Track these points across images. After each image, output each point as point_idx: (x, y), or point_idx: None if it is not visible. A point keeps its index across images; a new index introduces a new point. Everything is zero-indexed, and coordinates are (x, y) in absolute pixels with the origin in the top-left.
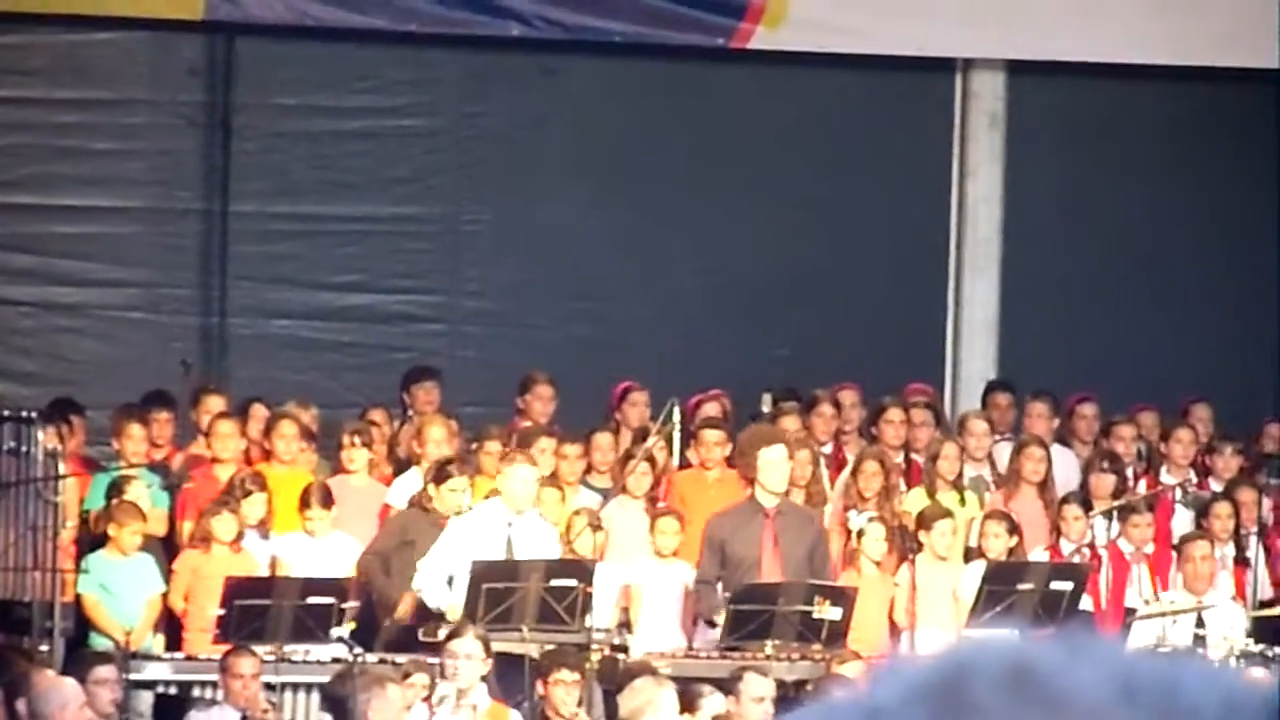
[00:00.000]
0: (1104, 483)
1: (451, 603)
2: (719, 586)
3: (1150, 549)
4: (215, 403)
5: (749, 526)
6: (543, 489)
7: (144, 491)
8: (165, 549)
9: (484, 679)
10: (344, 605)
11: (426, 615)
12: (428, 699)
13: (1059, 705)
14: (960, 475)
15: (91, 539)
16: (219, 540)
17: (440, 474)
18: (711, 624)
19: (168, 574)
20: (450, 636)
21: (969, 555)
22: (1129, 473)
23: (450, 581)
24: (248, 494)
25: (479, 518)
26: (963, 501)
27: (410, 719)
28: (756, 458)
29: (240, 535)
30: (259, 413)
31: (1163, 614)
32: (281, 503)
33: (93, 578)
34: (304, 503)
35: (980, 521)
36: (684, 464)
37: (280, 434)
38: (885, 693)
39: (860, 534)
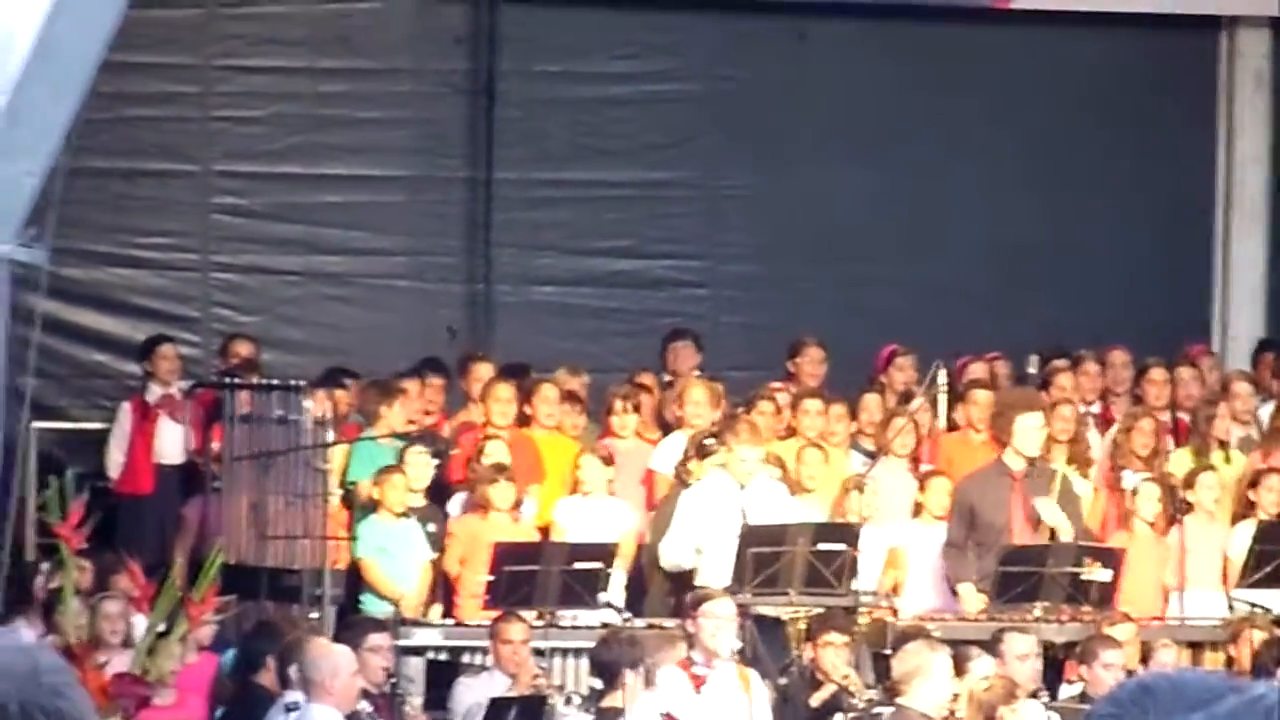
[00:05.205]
0: None
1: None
2: (969, 550)
3: None
4: (485, 369)
5: (996, 490)
6: (806, 450)
7: (417, 458)
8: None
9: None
10: (609, 570)
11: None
12: (684, 662)
13: None
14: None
15: (356, 507)
16: (496, 508)
17: (702, 450)
18: (955, 592)
19: (439, 539)
20: (702, 600)
21: (1237, 517)
22: None
23: (699, 551)
24: (493, 481)
25: (709, 489)
26: (1228, 460)
27: (670, 682)
28: (1013, 421)
29: (518, 503)
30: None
31: None
32: (547, 467)
33: (368, 542)
34: (579, 460)
35: (1250, 478)
36: (951, 426)
37: (542, 398)
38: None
39: (1134, 493)
